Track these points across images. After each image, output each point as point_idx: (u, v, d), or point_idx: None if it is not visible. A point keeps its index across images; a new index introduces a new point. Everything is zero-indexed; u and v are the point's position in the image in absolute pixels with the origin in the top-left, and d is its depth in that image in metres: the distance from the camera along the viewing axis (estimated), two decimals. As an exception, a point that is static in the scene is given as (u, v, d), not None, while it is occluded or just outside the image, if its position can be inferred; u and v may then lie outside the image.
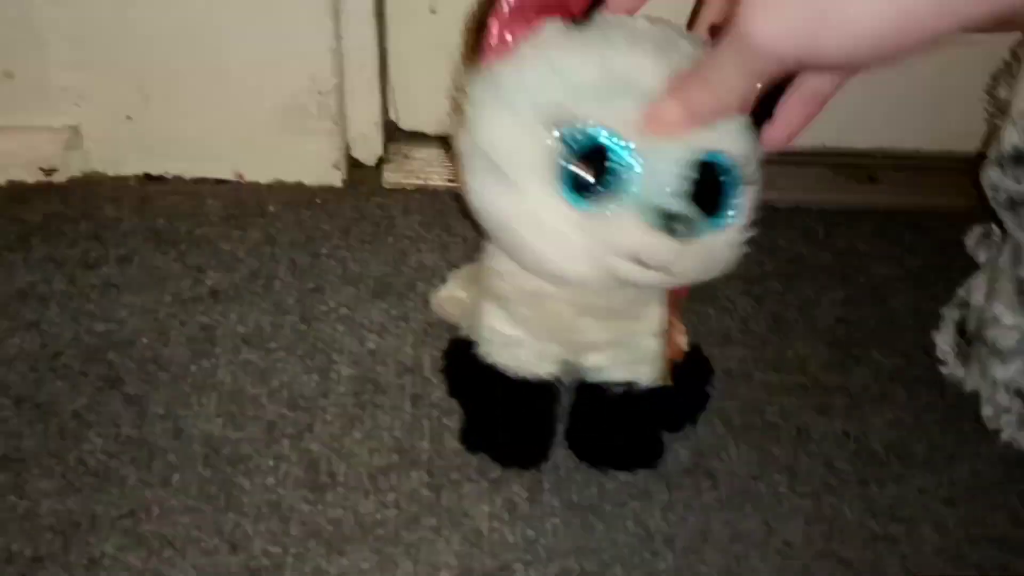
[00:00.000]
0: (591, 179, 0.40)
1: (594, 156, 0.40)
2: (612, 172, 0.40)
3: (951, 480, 0.56)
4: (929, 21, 0.32)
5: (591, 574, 0.50)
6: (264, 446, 0.54)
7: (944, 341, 0.59)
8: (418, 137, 0.73)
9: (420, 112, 0.72)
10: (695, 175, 0.40)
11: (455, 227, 0.67)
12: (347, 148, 0.71)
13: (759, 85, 0.38)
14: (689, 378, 0.55)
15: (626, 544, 0.51)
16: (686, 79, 0.40)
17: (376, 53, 0.67)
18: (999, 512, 0.55)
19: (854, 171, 0.75)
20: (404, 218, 0.68)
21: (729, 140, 0.41)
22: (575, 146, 0.40)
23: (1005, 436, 0.56)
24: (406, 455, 0.54)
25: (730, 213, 0.42)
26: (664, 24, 0.44)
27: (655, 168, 0.40)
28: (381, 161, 0.73)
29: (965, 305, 0.58)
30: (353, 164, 0.72)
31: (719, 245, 0.43)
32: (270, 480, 0.53)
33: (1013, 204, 0.50)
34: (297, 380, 0.58)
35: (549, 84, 0.41)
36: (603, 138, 0.40)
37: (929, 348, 0.61)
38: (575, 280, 0.43)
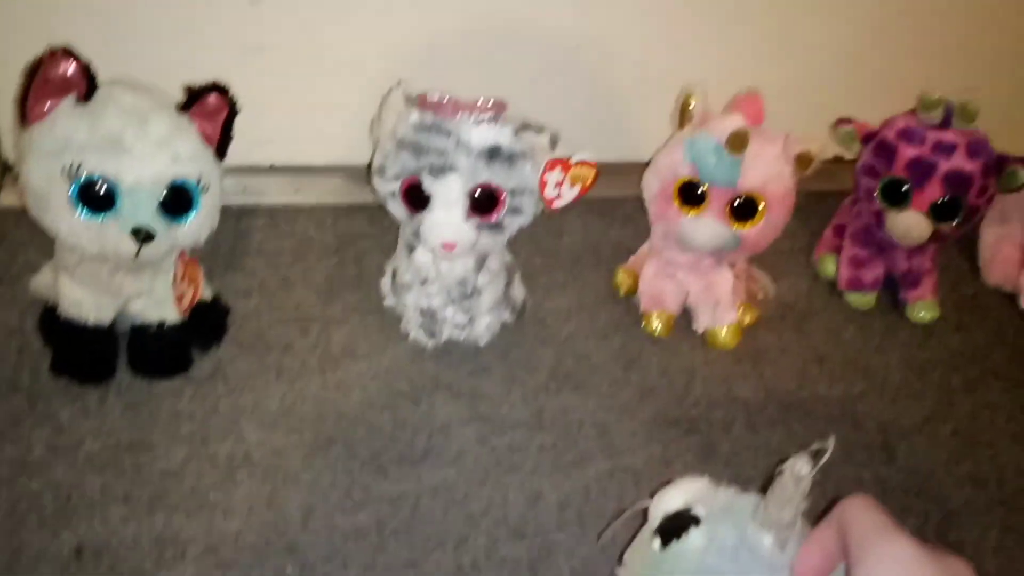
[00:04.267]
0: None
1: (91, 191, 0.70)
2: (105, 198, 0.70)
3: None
4: None
5: (142, 444, 0.79)
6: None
7: (385, 284, 0.94)
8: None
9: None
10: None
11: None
12: (-31, 179, 0.96)
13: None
14: (208, 315, 0.86)
15: (163, 422, 0.81)
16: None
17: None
18: None
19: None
20: (16, 229, 0.94)
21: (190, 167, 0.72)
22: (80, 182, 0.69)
23: (412, 336, 0.91)
24: (11, 383, 0.80)
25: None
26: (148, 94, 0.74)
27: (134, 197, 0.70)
28: (-2, 188, 0.98)
29: (393, 261, 0.94)
30: (-25, 191, 0.97)
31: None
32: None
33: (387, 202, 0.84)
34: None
35: (63, 141, 0.70)
36: (96, 177, 0.69)
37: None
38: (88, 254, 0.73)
